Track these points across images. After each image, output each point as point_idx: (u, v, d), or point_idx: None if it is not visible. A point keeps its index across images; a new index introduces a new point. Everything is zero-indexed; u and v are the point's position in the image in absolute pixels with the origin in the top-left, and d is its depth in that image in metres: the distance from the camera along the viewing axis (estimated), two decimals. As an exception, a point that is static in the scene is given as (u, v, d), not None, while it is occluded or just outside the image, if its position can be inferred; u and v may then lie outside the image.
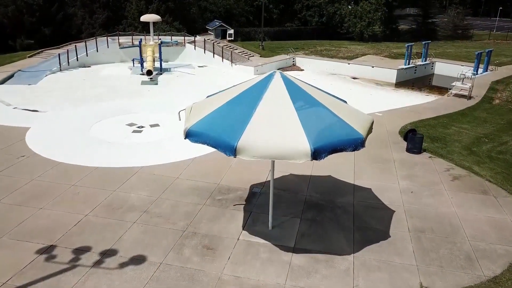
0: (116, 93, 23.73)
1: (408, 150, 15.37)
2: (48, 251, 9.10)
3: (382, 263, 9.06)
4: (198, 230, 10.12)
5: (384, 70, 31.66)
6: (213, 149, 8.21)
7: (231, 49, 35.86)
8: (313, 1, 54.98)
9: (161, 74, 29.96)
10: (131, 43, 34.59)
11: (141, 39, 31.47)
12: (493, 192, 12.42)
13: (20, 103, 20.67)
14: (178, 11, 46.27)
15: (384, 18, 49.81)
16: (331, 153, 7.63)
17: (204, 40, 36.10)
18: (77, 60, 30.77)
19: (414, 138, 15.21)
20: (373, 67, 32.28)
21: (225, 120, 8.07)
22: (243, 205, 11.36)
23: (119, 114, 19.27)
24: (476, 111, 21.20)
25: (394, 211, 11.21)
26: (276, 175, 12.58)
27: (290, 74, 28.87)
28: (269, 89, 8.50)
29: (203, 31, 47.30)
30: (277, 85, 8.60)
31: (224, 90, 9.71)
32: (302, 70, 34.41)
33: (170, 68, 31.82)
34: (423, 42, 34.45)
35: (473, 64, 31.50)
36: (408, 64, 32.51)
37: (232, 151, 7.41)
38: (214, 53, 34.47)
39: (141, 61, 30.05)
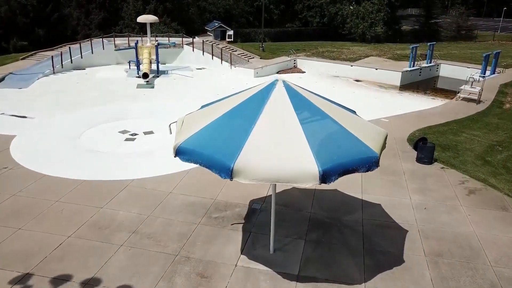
0: (110, 97, 22.77)
1: (419, 160, 14.40)
2: (22, 281, 8.12)
3: (397, 295, 8.09)
4: (192, 254, 9.15)
5: (388, 72, 30.71)
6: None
7: (230, 51, 34.90)
8: (314, 2, 54.01)
9: (158, 76, 29.01)
10: (127, 45, 33.63)
11: (137, 41, 30.52)
12: (513, 208, 11.46)
13: (8, 109, 19.71)
14: (177, 11, 45.30)
15: (387, 19, 48.83)
16: (342, 175, 6.67)
17: (203, 41, 35.16)
18: (71, 62, 29.82)
19: (425, 147, 14.24)
20: (376, 69, 31.34)
21: (220, 136, 7.10)
22: (242, 224, 10.38)
23: (112, 120, 18.31)
24: (487, 116, 20.22)
25: (407, 231, 10.23)
26: (278, 189, 11.58)
27: (291, 76, 27.80)
28: (270, 100, 7.53)
29: (202, 32, 46.34)
30: (279, 96, 7.63)
31: (220, 99, 8.75)
32: (304, 72, 33.46)
33: (167, 71, 30.87)
34: (428, 44, 33.49)
35: (479, 66, 30.58)
36: (413, 66, 31.55)
37: (227, 173, 6.44)
38: (213, 55, 33.52)
39: (137, 64, 29.09)
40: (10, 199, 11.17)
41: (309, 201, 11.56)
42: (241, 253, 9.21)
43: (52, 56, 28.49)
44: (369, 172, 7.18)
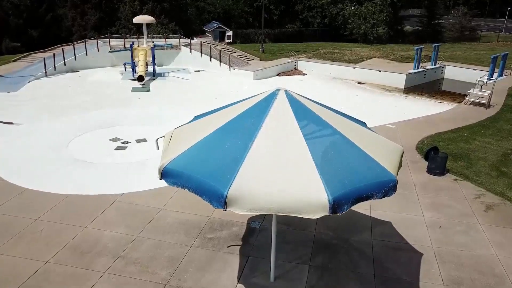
0: (103, 101, 21.78)
1: (430, 170, 13.42)
2: (-12, 319, 7.14)
3: (415, 334, 7.12)
4: (183, 282, 8.17)
5: (392, 75, 29.71)
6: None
7: (229, 53, 33.91)
8: (315, 2, 53.07)
9: (154, 79, 28.02)
10: (123, 46, 32.63)
11: (132, 42, 29.52)
12: (536, 226, 10.48)
13: (-6, 114, 18.74)
14: (174, 12, 44.29)
15: (389, 19, 47.89)
16: (355, 204, 5.69)
17: (201, 42, 34.17)
18: (65, 64, 28.82)
19: (437, 157, 13.25)
20: (380, 71, 30.34)
21: (213, 156, 6.12)
22: (239, 247, 9.40)
23: (103, 126, 17.33)
24: (498, 122, 19.24)
25: (422, 254, 9.25)
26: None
27: (292, 78, 26.72)
28: (271, 113, 6.55)
29: (200, 33, 45.35)
30: (281, 108, 6.65)
31: (214, 111, 7.78)
32: (305, 74, 32.48)
33: (164, 73, 29.87)
34: (433, 45, 32.49)
35: (484, 68, 29.61)
36: (418, 68, 30.56)
37: (220, 201, 5.46)
38: (211, 57, 32.53)
39: (133, 66, 28.10)
40: (-15, 217, 10.19)
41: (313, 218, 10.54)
42: (238, 282, 8.24)
43: (44, 58, 27.45)
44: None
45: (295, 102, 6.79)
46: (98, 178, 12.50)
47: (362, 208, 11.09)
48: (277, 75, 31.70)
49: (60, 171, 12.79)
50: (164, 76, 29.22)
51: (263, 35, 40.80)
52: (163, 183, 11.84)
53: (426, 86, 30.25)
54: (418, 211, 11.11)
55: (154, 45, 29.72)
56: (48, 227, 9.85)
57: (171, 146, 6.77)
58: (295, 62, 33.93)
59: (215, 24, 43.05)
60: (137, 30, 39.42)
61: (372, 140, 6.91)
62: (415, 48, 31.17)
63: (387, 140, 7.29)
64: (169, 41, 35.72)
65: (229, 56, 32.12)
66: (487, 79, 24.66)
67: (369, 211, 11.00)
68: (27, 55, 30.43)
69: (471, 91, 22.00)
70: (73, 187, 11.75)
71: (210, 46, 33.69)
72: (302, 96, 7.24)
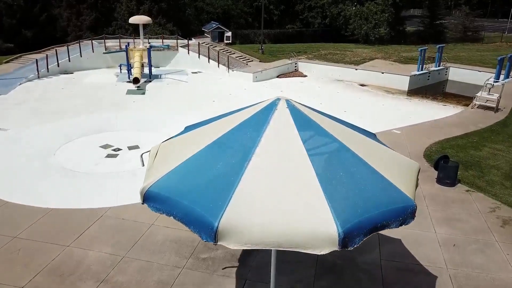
0: (96, 105, 20.96)
1: (439, 180, 12.60)
2: None
3: None
4: (173, 312, 7.35)
5: (395, 77, 28.93)
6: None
7: (228, 54, 33.10)
8: (316, 2, 52.28)
9: (150, 81, 27.20)
10: (118, 47, 31.79)
11: (128, 43, 28.72)
12: (558, 244, 9.65)
13: (-19, 119, 17.93)
14: (172, 12, 43.44)
15: (391, 20, 47.09)
16: (368, 235, 4.85)
17: (199, 43, 33.35)
18: (58, 66, 27.98)
19: (447, 167, 12.43)
20: (383, 73, 29.56)
21: (203, 177, 5.29)
22: (236, 268, 8.58)
23: (95, 132, 16.52)
24: (508, 127, 18.43)
25: (436, 277, 8.42)
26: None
27: (292, 80, 25.80)
28: (270, 126, 5.71)
29: (199, 33, 44.51)
30: (281, 120, 5.82)
31: (207, 121, 6.93)
32: (305, 76, 31.68)
33: (160, 75, 29.05)
34: (438, 46, 31.69)
35: (489, 69, 28.82)
36: (421, 70, 29.76)
37: (210, 234, 4.62)
38: (209, 58, 31.72)
39: (129, 67, 27.27)
40: (-41, 235, 9.37)
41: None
42: (234, 311, 7.42)
43: (36, 60, 26.60)
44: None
45: (297, 114, 5.95)
46: (85, 189, 11.68)
47: (369, 223, 10.25)
48: (277, 76, 30.91)
49: (44, 182, 11.97)
50: (160, 78, 28.41)
51: (263, 35, 40.01)
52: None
53: (429, 88, 29.47)
54: (429, 227, 10.28)
55: (151, 46, 28.89)
56: (27, 246, 9.03)
57: (157, 163, 5.94)
58: (296, 64, 33.14)
59: (214, 25, 42.24)
60: (134, 31, 38.59)
61: (384, 156, 6.08)
62: (419, 49, 30.38)
63: (401, 155, 6.46)
64: (166, 42, 34.90)
65: (228, 57, 31.32)
66: (494, 81, 23.87)
67: (377, 226, 10.16)
68: (20, 56, 29.58)
69: (479, 94, 21.20)
70: (57, 200, 10.93)
71: (208, 47, 32.89)
72: (305, 106, 6.41)
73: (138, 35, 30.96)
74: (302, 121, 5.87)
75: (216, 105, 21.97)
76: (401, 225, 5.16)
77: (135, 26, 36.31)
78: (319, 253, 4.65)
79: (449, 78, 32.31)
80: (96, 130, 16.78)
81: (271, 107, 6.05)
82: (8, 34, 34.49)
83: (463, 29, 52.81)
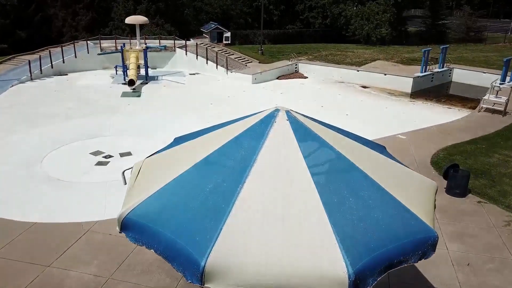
0: (89, 108, 20.22)
1: (449, 190, 11.85)
2: None
3: None
4: None
5: (398, 78, 28.15)
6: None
7: (226, 55, 32.35)
8: (316, 2, 51.52)
9: (147, 83, 26.47)
10: (114, 48, 31.05)
11: (123, 44, 27.98)
12: None
13: (-32, 123, 17.20)
14: (170, 12, 42.69)
15: (393, 20, 46.35)
16: (382, 274, 4.11)
17: (196, 44, 32.60)
18: (52, 67, 27.23)
19: (457, 176, 11.69)
20: (385, 74, 28.79)
21: (190, 202, 4.56)
22: (231, 292, 7.81)
23: (86, 137, 15.79)
24: (517, 131, 17.68)
25: (451, 302, 7.69)
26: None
27: (292, 82, 24.80)
28: (268, 141, 4.98)
29: (197, 34, 43.78)
30: (281, 134, 5.09)
31: (198, 133, 6.20)
32: (306, 77, 30.94)
33: (157, 77, 28.31)
34: (441, 47, 30.93)
35: (493, 71, 28.04)
36: (425, 71, 29.01)
37: (196, 274, 3.90)
38: (207, 59, 30.98)
39: (124, 69, 26.53)
40: None
41: None
42: None
43: (29, 61, 25.84)
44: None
45: (299, 127, 5.22)
46: (71, 201, 10.95)
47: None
48: (277, 78, 30.16)
49: (29, 193, 11.24)
50: (157, 79, 27.67)
51: (263, 36, 39.26)
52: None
53: (433, 90, 28.71)
54: (440, 243, 9.45)
55: (147, 47, 28.15)
56: (4, 266, 8.29)
57: (138, 184, 5.21)
58: (296, 65, 32.39)
59: (213, 25, 41.47)
60: (131, 31, 37.84)
61: (397, 175, 5.35)
62: (423, 50, 29.62)
63: (416, 173, 5.73)
64: (164, 42, 34.16)
65: (226, 59, 30.57)
66: (500, 83, 23.13)
67: (384, 243, 9.42)
68: (13, 57, 28.80)
69: (486, 97, 20.44)
70: (41, 213, 10.20)
71: (207, 48, 32.15)
72: (307, 117, 5.67)
73: (135, 35, 30.24)
74: (305, 136, 5.14)
75: (214, 108, 21.24)
76: (420, 259, 4.44)
77: (132, 27, 35.58)
78: (325, 299, 3.88)
79: (453, 80, 31.54)
80: (87, 135, 16.05)
81: (269, 118, 5.33)
82: (1, 35, 33.73)
83: (466, 29, 52.06)
